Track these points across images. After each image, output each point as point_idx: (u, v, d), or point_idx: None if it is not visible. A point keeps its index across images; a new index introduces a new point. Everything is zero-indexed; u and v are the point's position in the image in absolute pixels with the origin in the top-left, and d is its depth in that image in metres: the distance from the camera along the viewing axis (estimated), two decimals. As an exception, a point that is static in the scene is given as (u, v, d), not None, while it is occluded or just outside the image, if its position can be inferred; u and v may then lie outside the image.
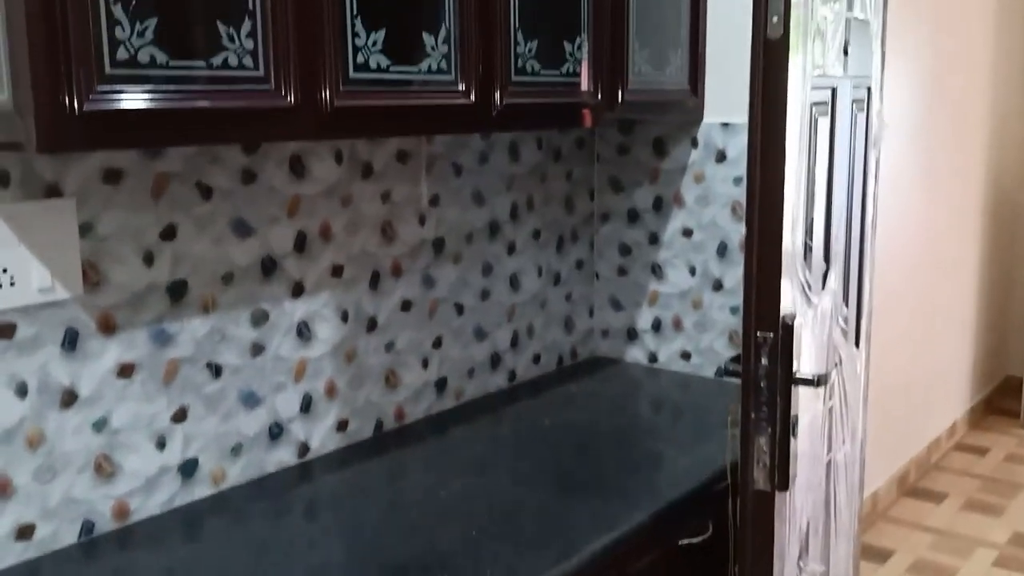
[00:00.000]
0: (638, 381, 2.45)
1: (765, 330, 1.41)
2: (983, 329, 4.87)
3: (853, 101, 1.82)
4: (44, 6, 1.08)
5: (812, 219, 1.54)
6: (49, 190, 1.43)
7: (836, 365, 1.75)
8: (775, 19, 1.35)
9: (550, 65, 1.84)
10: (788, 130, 1.37)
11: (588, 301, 2.58)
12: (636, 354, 2.54)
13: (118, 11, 1.14)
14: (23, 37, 1.08)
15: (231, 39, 1.28)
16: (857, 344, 1.98)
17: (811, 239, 1.55)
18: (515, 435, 2.06)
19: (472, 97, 1.66)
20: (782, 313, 1.44)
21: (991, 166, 4.72)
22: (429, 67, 1.59)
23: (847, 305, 1.87)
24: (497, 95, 1.71)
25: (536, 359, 2.43)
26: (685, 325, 2.45)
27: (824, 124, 1.64)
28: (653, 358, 2.51)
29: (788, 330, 1.41)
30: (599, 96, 1.96)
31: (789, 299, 1.47)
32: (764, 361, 1.40)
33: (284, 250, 1.78)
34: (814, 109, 1.55)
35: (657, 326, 2.49)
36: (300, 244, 1.80)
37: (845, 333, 1.86)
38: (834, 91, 1.67)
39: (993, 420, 4.83)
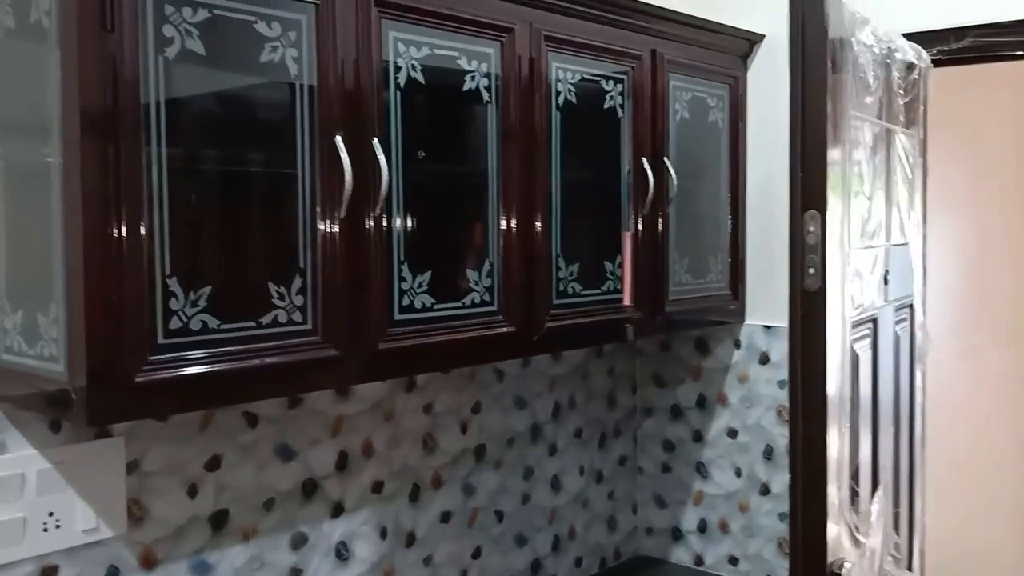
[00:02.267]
0: (684, 587, 2.38)
1: (813, 583, 1.37)
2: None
3: (896, 322, 1.82)
4: (102, 284, 1.14)
5: (858, 465, 1.52)
6: (99, 431, 1.46)
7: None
8: (812, 271, 1.37)
9: (591, 285, 1.87)
10: (829, 378, 1.37)
11: (631, 498, 2.54)
12: (682, 555, 2.48)
13: (173, 284, 1.20)
14: (80, 314, 1.13)
15: (281, 297, 1.32)
16: (910, 566, 1.92)
17: (858, 485, 1.52)
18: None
19: (514, 326, 1.69)
20: (829, 560, 1.40)
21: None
22: (473, 300, 1.62)
23: (898, 532, 1.82)
24: (539, 321, 1.74)
25: (578, 562, 2.38)
26: (732, 528, 2.39)
27: (866, 355, 1.64)
28: (699, 561, 2.45)
29: (836, 584, 1.37)
30: (640, 310, 1.98)
31: (836, 543, 1.44)
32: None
33: (326, 471, 1.79)
34: (855, 346, 1.55)
35: (703, 527, 2.44)
36: (342, 463, 1.81)
37: (897, 561, 1.80)
38: (875, 321, 1.67)
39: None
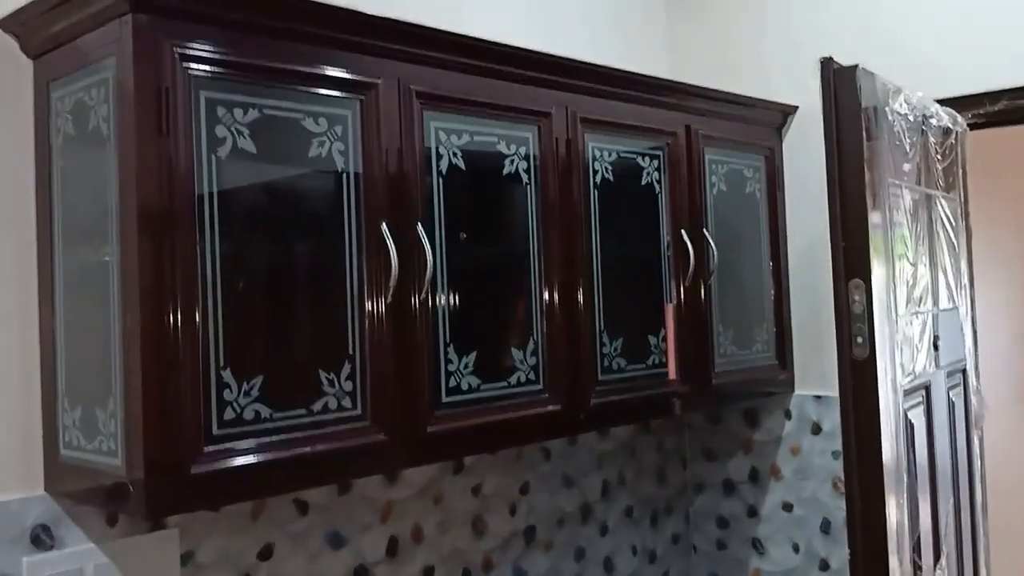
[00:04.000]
0: (745, 670, 2.31)
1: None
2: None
3: (949, 388, 1.79)
4: (158, 376, 1.16)
5: (919, 536, 1.49)
6: (155, 523, 1.47)
7: None
8: (860, 340, 1.36)
9: (636, 360, 1.86)
10: (885, 450, 1.35)
11: (686, 577, 2.48)
12: (741, 635, 2.41)
13: (227, 375, 1.22)
14: (138, 407, 1.16)
15: (331, 384, 1.34)
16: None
17: (919, 557, 1.48)
18: None
19: (560, 404, 1.69)
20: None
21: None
22: (518, 379, 1.63)
23: (966, 606, 1.76)
24: (585, 398, 1.74)
25: (635, 646, 2.32)
26: (791, 606, 2.33)
27: (920, 422, 1.61)
28: (760, 641, 2.38)
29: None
30: (686, 384, 1.97)
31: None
32: None
33: (376, 557, 1.78)
34: (909, 413, 1.53)
35: (762, 606, 2.38)
36: (392, 549, 1.80)
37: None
38: (927, 388, 1.65)
39: None
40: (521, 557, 2.06)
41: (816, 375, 2.28)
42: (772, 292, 2.26)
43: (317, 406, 1.32)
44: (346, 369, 1.36)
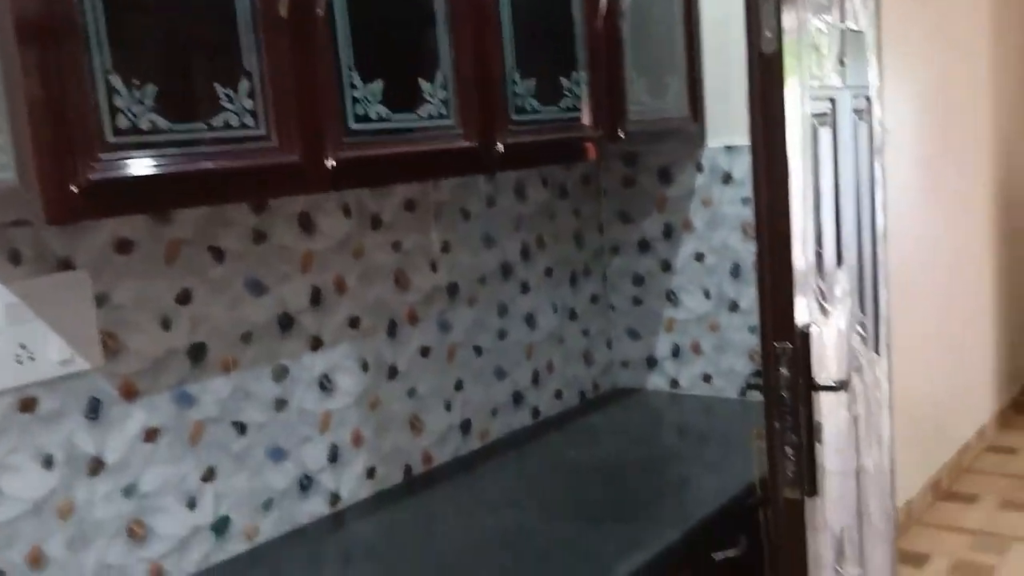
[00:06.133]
0: (661, 408, 2.44)
1: (782, 341, 1.41)
2: (1005, 332, 4.82)
3: (854, 110, 1.83)
4: (43, 82, 1.11)
5: (822, 230, 1.55)
6: (61, 264, 1.45)
7: (857, 371, 1.74)
8: (768, 34, 1.37)
9: (549, 102, 1.86)
10: (790, 143, 1.38)
11: (605, 334, 2.57)
12: (657, 381, 2.53)
13: (115, 80, 1.17)
14: (24, 115, 1.11)
15: (230, 100, 1.30)
16: (877, 350, 1.97)
17: (822, 249, 1.55)
18: (543, 470, 2.05)
19: (473, 140, 1.68)
20: (798, 323, 1.44)
21: (999, 170, 4.70)
22: (429, 113, 1.61)
23: (864, 312, 1.87)
24: (498, 136, 1.73)
25: (558, 394, 2.43)
26: (704, 349, 2.44)
27: (826, 135, 1.65)
28: (675, 384, 2.50)
29: (805, 339, 1.40)
30: (600, 129, 1.98)
31: (804, 309, 1.47)
32: (784, 371, 1.39)
33: (300, 306, 1.79)
34: (815, 120, 1.56)
35: (676, 352, 2.49)
36: (315, 298, 1.82)
37: (864, 340, 1.85)
38: (833, 102, 1.68)
39: (1022, 420, 4.78)
40: (446, 311, 2.10)
41: (727, 126, 2.31)
42: (684, 41, 2.25)
43: (217, 121, 1.28)
44: (245, 85, 1.31)
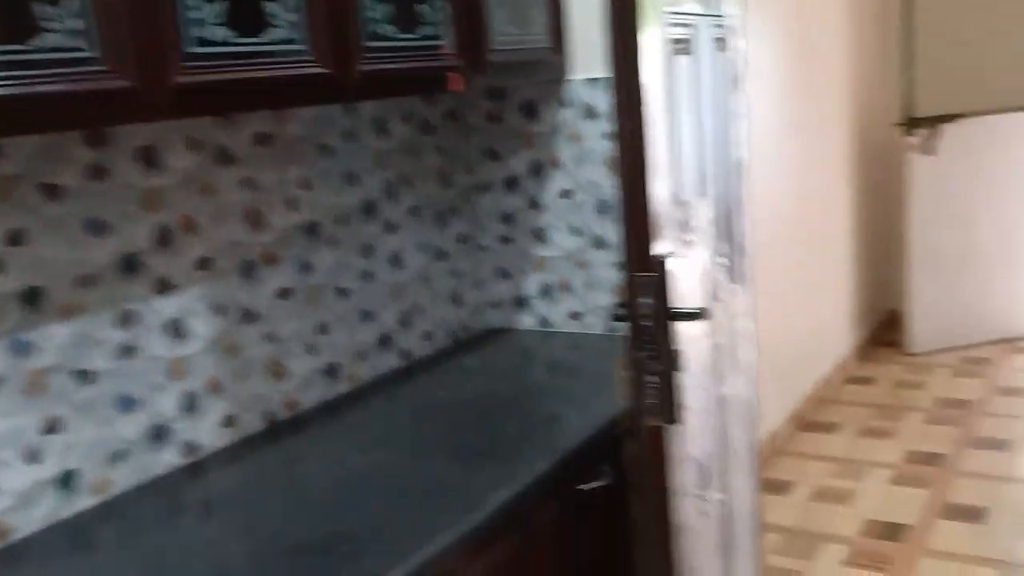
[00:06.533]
0: (531, 347, 2.44)
1: (643, 271, 1.41)
2: (864, 267, 5.04)
3: (714, 39, 1.83)
4: None
5: (681, 161, 1.55)
6: None
7: (718, 301, 1.77)
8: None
9: (406, 29, 1.79)
10: (646, 70, 1.37)
11: (475, 274, 2.55)
12: (527, 321, 2.53)
13: (-82, -8, 1.05)
14: None
15: (57, 19, 1.19)
16: (739, 281, 2.01)
17: (683, 179, 1.55)
18: (412, 412, 2.03)
19: (326, 66, 1.61)
20: (657, 252, 1.44)
21: (855, 107, 4.88)
22: (277, 38, 1.52)
23: (727, 244, 1.89)
24: (352, 63, 1.66)
25: (427, 336, 2.39)
26: (574, 286, 2.45)
27: (684, 63, 1.65)
28: (545, 323, 2.51)
29: (663, 267, 1.41)
30: (462, 58, 1.93)
31: (665, 239, 1.47)
32: (645, 300, 1.40)
33: (145, 247, 1.69)
34: (673, 47, 1.55)
35: (546, 291, 2.49)
36: (163, 239, 1.72)
37: (727, 271, 1.88)
38: (692, 29, 1.67)
39: (880, 352, 5.02)
40: (306, 251, 2.02)
41: (592, 58, 2.29)
42: (545, -29, 2.21)
43: (40, 43, 1.17)
44: (74, 5, 1.20)
